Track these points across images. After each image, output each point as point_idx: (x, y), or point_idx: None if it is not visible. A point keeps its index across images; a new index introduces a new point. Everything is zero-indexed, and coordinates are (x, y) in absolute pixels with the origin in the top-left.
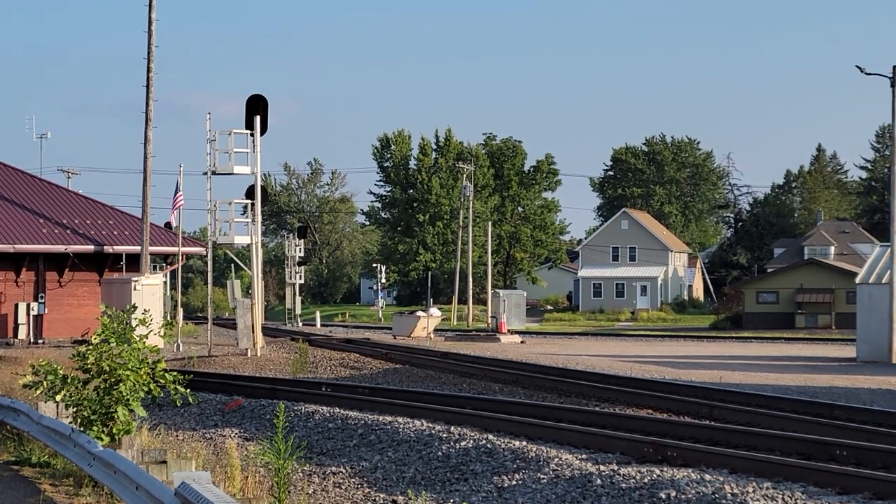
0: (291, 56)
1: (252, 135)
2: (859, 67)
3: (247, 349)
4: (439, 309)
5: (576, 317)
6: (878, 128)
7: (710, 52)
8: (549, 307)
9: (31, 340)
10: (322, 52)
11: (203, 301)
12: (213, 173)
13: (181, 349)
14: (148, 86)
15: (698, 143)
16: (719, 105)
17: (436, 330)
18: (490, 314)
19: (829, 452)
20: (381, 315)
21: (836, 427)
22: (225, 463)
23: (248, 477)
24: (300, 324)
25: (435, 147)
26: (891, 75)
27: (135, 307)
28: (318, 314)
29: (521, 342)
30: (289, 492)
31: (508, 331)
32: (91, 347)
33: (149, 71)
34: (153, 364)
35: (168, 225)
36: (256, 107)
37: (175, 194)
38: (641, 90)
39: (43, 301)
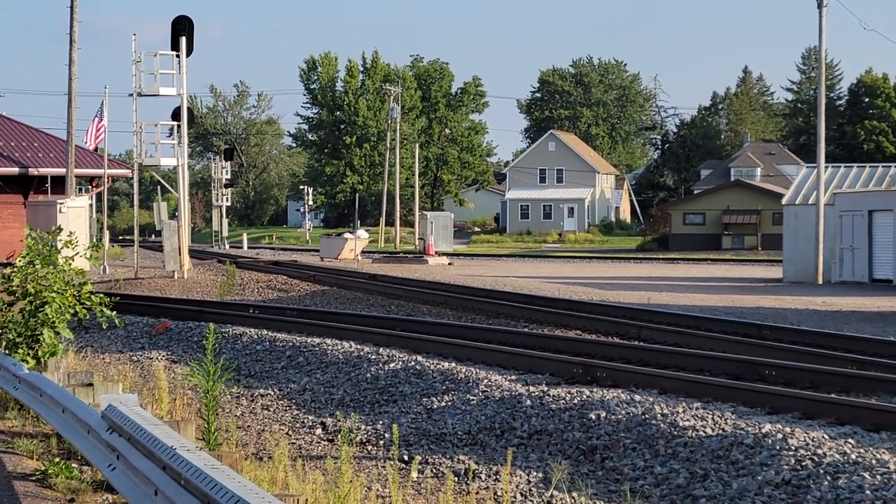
0: None
1: (178, 56)
2: None
3: (174, 271)
4: (367, 231)
5: (503, 238)
6: (805, 49)
7: None
8: (476, 229)
9: None
10: None
11: (129, 223)
12: (139, 95)
13: (107, 272)
14: (72, 6)
15: (625, 65)
16: (646, 27)
17: (363, 252)
18: (417, 236)
19: (758, 372)
20: (308, 237)
21: (765, 347)
22: (153, 385)
23: (175, 399)
24: (227, 246)
25: (362, 69)
26: None
27: (60, 229)
28: (245, 236)
29: (449, 264)
30: (217, 414)
31: (436, 252)
32: (16, 269)
33: None
34: (79, 286)
35: (95, 148)
36: (181, 28)
37: (95, 119)
38: (568, 11)
39: None
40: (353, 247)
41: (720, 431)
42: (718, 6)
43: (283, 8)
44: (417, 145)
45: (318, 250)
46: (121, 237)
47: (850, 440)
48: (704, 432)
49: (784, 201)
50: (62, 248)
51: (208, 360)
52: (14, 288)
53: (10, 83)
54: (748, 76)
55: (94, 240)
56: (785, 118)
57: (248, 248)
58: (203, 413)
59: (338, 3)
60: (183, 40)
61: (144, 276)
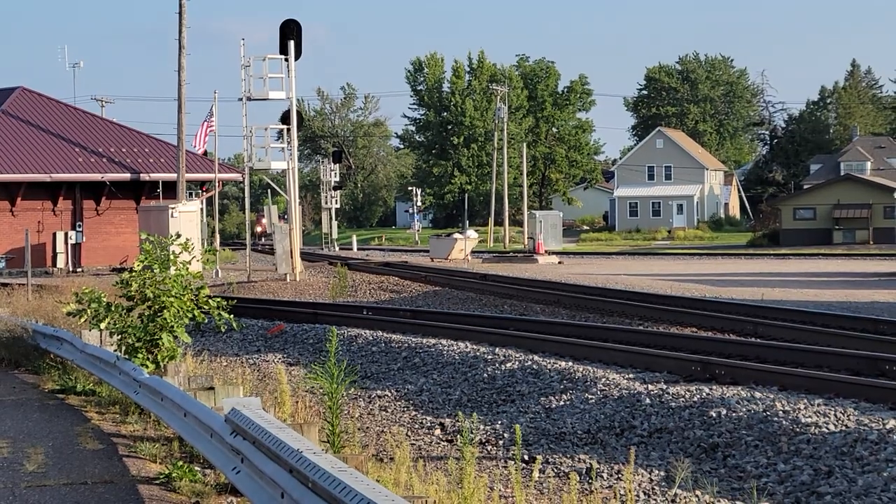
0: None
1: (286, 60)
2: None
3: (286, 274)
4: (475, 231)
5: (612, 236)
6: None
7: None
8: (585, 227)
9: (70, 269)
10: None
11: (238, 227)
12: (249, 99)
13: (220, 275)
14: (181, 13)
15: (732, 60)
16: (753, 22)
17: (473, 252)
18: (527, 235)
19: (879, 368)
20: (417, 238)
21: (883, 342)
22: (272, 388)
23: (297, 402)
24: (337, 248)
25: (468, 70)
26: None
27: (178, 235)
28: (354, 238)
29: (559, 263)
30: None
31: (546, 251)
32: (134, 274)
33: None
34: (197, 290)
35: (205, 153)
36: (290, 32)
37: (203, 124)
38: (674, 8)
39: (81, 230)
40: (463, 247)
41: (843, 428)
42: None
43: (388, 10)
44: (525, 145)
45: (427, 251)
46: (232, 241)
47: None
48: (827, 429)
49: None
50: (180, 252)
51: (331, 362)
52: (132, 293)
53: (120, 89)
54: (856, 69)
55: (206, 244)
56: (894, 111)
57: (358, 249)
58: (326, 415)
59: (442, 4)
60: (291, 44)
61: (257, 279)
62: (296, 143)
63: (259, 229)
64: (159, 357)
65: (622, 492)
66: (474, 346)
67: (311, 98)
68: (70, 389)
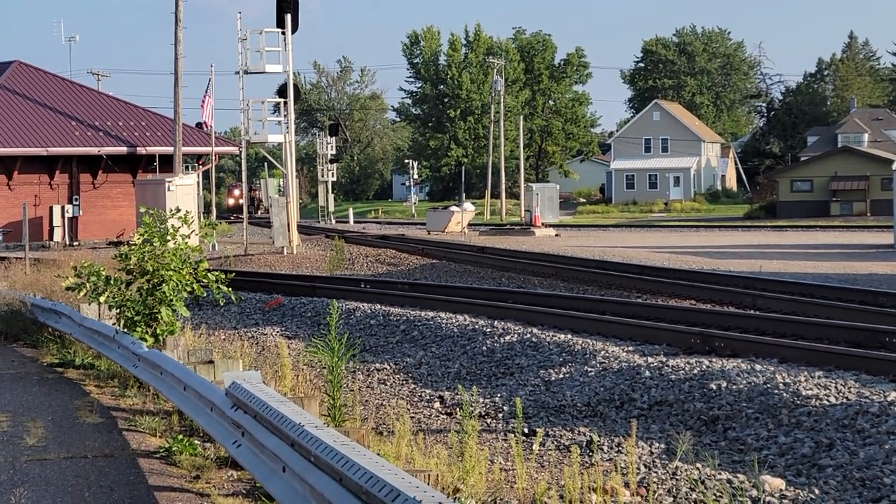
0: None
1: (283, 33)
2: None
3: (283, 247)
4: (472, 204)
5: (609, 209)
6: None
7: None
8: (581, 200)
9: (67, 243)
10: None
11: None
12: (245, 72)
13: (217, 248)
14: None
15: (729, 32)
16: None
17: (470, 224)
18: (524, 208)
19: (879, 340)
20: (413, 211)
21: (883, 314)
22: (271, 362)
23: (297, 375)
24: (333, 221)
25: (464, 42)
26: None
27: (178, 209)
28: (350, 211)
29: (556, 235)
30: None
31: (542, 224)
32: (133, 248)
33: None
34: (195, 264)
35: (199, 125)
36: (287, 5)
37: (205, 97)
38: None
39: (77, 203)
40: (460, 219)
41: (844, 400)
42: None
43: None
44: (521, 117)
45: (424, 224)
46: (227, 214)
47: None
48: (828, 401)
49: (895, 167)
50: (180, 226)
51: (332, 336)
52: (131, 266)
53: (116, 63)
54: (854, 41)
55: (202, 217)
56: (892, 83)
57: (354, 222)
58: (326, 389)
59: None
60: (288, 17)
61: (254, 252)
62: (292, 116)
63: (231, 202)
64: (158, 331)
65: (623, 464)
66: (473, 319)
67: (307, 71)
68: (69, 363)
